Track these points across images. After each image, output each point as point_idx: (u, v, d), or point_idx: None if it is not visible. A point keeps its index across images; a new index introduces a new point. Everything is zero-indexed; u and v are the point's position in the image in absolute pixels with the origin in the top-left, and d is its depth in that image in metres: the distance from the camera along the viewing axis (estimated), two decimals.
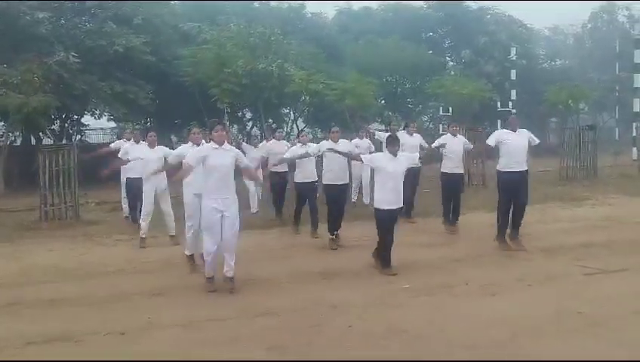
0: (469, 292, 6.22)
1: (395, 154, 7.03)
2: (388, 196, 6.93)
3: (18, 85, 11.85)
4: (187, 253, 7.31)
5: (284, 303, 5.60)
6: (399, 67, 22.35)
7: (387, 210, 6.93)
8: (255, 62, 15.87)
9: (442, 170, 9.72)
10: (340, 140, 8.67)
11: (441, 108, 22.88)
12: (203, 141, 7.40)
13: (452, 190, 9.53)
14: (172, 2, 19.90)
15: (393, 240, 7.05)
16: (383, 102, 23.07)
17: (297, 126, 23.42)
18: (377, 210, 7.00)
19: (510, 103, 23.74)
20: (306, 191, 9.30)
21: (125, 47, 15.58)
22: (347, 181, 9.07)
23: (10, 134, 15.91)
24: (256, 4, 22.26)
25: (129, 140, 10.77)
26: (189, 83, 15.36)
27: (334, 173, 8.54)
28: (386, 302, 6.01)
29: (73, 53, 14.49)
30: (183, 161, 6.78)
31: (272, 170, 10.02)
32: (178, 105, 17.86)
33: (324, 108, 18.55)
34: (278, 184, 10.70)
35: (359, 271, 7.25)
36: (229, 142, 6.55)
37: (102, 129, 22.28)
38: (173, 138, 18.41)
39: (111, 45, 15.41)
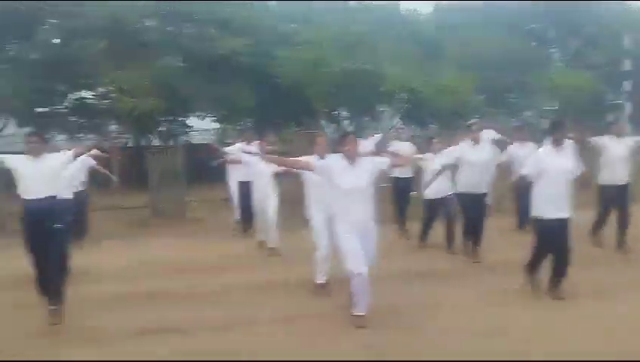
0: (580, 295, 5.86)
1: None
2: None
3: (130, 90, 12.62)
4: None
5: (382, 302, 5.54)
6: (500, 61, 21.49)
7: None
8: (351, 62, 15.89)
9: None
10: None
11: (546, 102, 21.78)
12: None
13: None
14: (270, 3, 20.33)
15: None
16: (482, 98, 22.31)
17: (394, 124, 23.20)
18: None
19: (624, 96, 22.13)
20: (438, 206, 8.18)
21: (227, 50, 16.12)
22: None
23: (125, 136, 17.01)
24: (351, 3, 22.25)
25: (246, 142, 10.06)
26: (285, 84, 15.63)
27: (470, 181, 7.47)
28: (489, 302, 5.81)
29: (179, 58, 15.21)
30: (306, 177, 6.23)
31: (395, 175, 9.01)
32: (276, 106, 18.23)
33: (422, 106, 18.23)
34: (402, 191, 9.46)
35: (461, 270, 7.07)
36: (353, 153, 5.30)
37: (205, 130, 23.18)
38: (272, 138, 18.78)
39: (213, 48, 16.00)
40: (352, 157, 5.26)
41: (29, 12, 15.58)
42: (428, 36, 21.80)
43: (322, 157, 5.90)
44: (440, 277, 6.87)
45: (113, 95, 13.93)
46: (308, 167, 5.68)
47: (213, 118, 19.01)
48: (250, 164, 8.32)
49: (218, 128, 18.34)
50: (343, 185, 5.19)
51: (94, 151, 8.11)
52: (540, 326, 5.09)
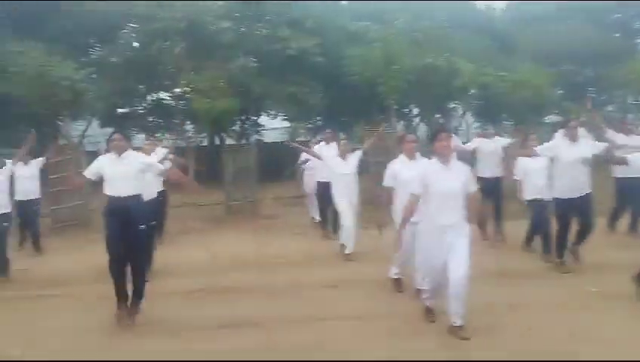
0: None
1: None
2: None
3: (206, 90, 12.98)
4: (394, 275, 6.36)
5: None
6: (579, 54, 20.58)
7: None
8: (422, 58, 15.66)
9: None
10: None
11: (630, 96, 20.65)
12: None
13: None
14: (341, 2, 20.36)
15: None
16: (560, 92, 21.44)
17: (466, 121, 22.70)
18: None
19: None
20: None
21: (298, 50, 16.27)
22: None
23: (200, 136, 17.53)
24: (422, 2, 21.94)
25: (325, 142, 9.85)
26: (356, 82, 15.60)
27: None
28: (569, 305, 5.58)
29: (252, 58, 15.50)
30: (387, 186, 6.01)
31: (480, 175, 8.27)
32: (346, 104, 18.24)
33: (495, 102, 17.73)
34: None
35: (542, 271, 6.84)
36: (448, 151, 5.00)
37: (275, 128, 23.51)
38: (342, 136, 18.84)
39: (285, 49, 16.20)
40: (446, 155, 4.96)
41: (111, 16, 16.32)
42: (502, 30, 21.20)
43: (411, 159, 6.00)
44: (522, 277, 6.67)
45: (189, 96, 14.35)
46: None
47: (284, 117, 19.23)
48: (330, 165, 8.20)
49: (289, 127, 18.50)
50: (440, 190, 4.87)
51: (172, 157, 8.14)
52: (625, 333, 4.83)
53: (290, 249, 8.74)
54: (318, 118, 20.97)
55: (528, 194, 7.59)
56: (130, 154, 5.70)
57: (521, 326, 5.06)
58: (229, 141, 19.06)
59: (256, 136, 21.77)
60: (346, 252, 7.86)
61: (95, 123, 18.58)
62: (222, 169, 12.26)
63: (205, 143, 19.68)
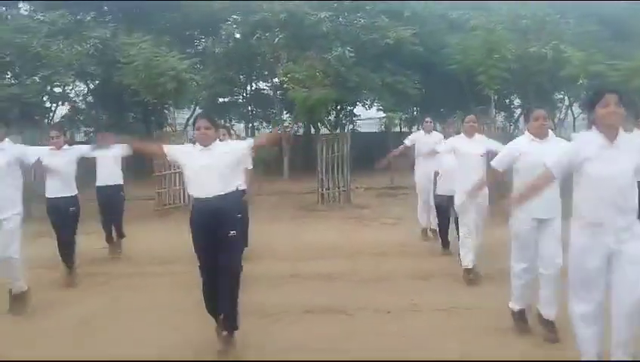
0: None
1: None
2: None
3: (303, 80, 13.24)
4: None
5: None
6: None
7: None
8: (527, 46, 15.00)
9: None
10: None
11: None
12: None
13: None
14: None
15: None
16: None
17: (572, 112, 21.49)
18: None
19: None
20: None
21: (395, 39, 16.12)
22: None
23: (296, 125, 17.88)
24: None
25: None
26: (455, 71, 15.22)
27: None
28: None
29: (349, 48, 15.56)
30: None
31: None
32: (444, 94, 17.86)
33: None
34: None
35: None
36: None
37: (371, 119, 23.50)
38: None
39: (382, 38, 16.10)
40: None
41: (214, 9, 16.99)
42: (613, 15, 19.74)
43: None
44: None
45: (286, 85, 14.69)
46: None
47: (380, 107, 19.16)
48: (438, 157, 7.07)
49: (384, 117, 18.41)
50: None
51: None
52: None
53: (379, 238, 8.71)
54: (415, 108, 20.74)
55: None
56: (218, 145, 4.57)
57: None
58: (324, 131, 19.33)
59: (351, 126, 21.94)
60: (467, 267, 6.19)
61: (198, 111, 19.52)
62: (315, 158, 12.45)
63: (301, 133, 20.03)
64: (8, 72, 14.62)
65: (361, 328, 4.98)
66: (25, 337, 4.96)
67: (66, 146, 6.74)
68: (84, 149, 7.16)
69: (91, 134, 19.10)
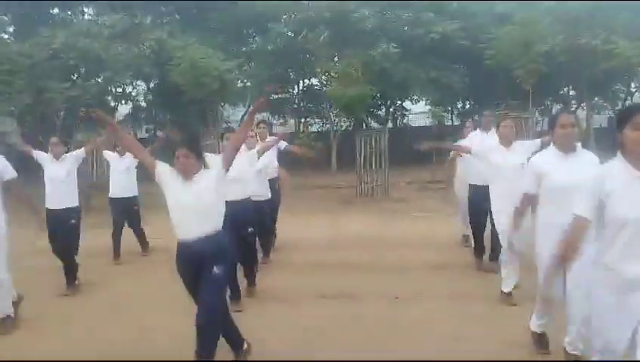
0: None
1: None
2: None
3: (339, 77, 13.63)
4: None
5: None
6: None
7: None
8: (576, 37, 14.76)
9: None
10: None
11: None
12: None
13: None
14: None
15: None
16: None
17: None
18: None
19: None
20: None
21: (441, 34, 16.21)
22: None
23: (342, 120, 18.28)
24: None
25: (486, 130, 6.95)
26: (491, 64, 15.12)
27: None
28: None
29: (393, 44, 15.79)
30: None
31: None
32: (489, 88, 17.76)
33: None
34: None
35: None
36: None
37: (423, 112, 23.51)
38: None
39: (427, 33, 16.23)
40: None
41: (265, 8, 17.60)
42: None
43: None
44: None
45: (324, 83, 15.15)
46: None
47: (428, 101, 19.26)
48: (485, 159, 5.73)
49: (429, 111, 18.50)
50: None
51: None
52: None
53: (409, 230, 9.03)
54: (464, 102, 20.68)
55: None
56: (201, 176, 3.86)
57: None
58: (375, 125, 19.56)
59: (403, 121, 22.10)
60: (504, 289, 5.52)
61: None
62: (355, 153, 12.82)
63: (347, 128, 20.38)
64: (74, 75, 15.72)
65: (366, 312, 5.37)
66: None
67: (66, 155, 6.42)
68: (80, 153, 6.55)
69: (152, 131, 20.20)
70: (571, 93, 20.18)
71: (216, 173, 3.89)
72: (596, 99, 19.37)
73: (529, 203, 4.14)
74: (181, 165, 3.80)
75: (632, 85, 19.54)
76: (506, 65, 14.15)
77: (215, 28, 18.43)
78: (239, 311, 5.29)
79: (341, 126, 18.68)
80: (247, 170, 5.84)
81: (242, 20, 18.96)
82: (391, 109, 21.19)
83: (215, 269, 3.81)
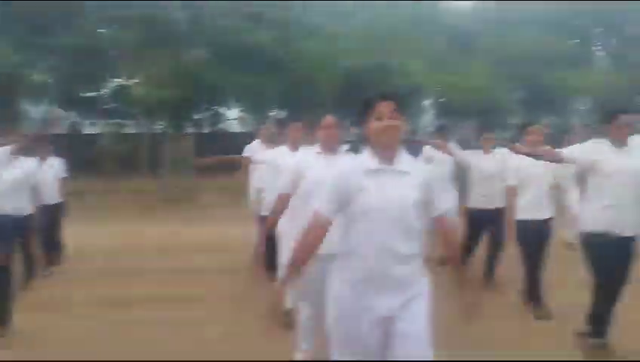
0: None
1: None
2: None
3: (147, 79, 13.18)
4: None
5: None
6: (537, 59, 20.72)
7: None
8: (365, 56, 15.94)
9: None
10: None
11: (581, 103, 21.06)
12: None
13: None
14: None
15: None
16: (517, 97, 21.72)
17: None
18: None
19: None
20: None
21: (255, 43, 16.49)
22: None
23: (156, 123, 17.65)
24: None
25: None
26: (298, 74, 15.56)
27: None
28: None
29: (205, 50, 15.51)
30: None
31: None
32: (300, 98, 18.45)
33: (449, 104, 17.82)
34: None
35: None
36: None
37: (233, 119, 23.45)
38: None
39: (242, 40, 16.39)
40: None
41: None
42: (463, 32, 21.37)
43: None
44: None
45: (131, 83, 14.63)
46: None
47: (241, 108, 19.50)
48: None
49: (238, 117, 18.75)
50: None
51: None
52: None
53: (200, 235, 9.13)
54: (279, 110, 21.22)
55: None
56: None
57: None
58: (192, 130, 19.20)
59: (221, 126, 22.03)
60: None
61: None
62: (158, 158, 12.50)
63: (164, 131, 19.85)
64: None
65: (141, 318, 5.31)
66: None
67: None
68: None
69: None
70: None
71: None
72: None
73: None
74: None
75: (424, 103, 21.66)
76: (313, 76, 14.78)
77: (15, 19, 16.74)
78: None
79: (153, 129, 18.09)
80: None
81: (48, 13, 17.45)
82: (207, 114, 21.02)
83: None
